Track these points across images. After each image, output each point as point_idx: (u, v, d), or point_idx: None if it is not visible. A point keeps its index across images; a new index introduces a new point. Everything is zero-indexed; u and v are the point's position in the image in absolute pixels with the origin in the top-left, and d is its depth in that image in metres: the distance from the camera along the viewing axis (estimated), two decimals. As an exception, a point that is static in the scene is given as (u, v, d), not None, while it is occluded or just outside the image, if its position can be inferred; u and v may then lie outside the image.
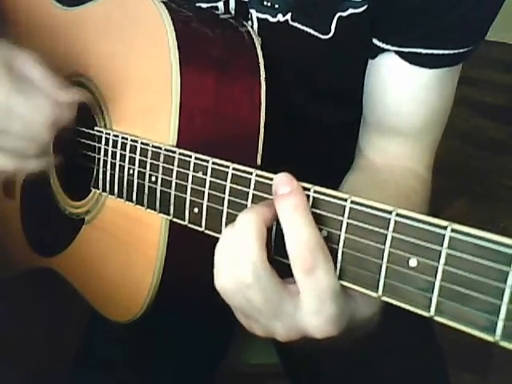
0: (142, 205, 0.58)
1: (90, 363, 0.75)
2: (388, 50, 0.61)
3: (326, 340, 0.43)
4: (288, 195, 0.41)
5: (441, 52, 0.59)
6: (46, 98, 0.59)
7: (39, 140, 0.59)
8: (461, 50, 0.60)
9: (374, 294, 0.39)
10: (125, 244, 0.63)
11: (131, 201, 0.60)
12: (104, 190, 0.64)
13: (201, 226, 0.51)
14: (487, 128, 2.54)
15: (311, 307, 0.41)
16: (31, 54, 0.59)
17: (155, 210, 0.57)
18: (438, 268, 0.36)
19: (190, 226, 0.53)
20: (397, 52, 0.61)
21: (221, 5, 0.65)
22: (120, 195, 0.62)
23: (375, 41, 0.62)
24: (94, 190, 0.66)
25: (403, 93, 0.63)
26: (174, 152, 0.54)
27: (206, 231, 0.51)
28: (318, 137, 0.74)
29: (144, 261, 0.60)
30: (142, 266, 0.60)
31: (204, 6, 0.65)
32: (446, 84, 0.64)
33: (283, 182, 0.42)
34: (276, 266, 0.42)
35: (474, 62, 0.63)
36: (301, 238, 0.40)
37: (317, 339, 0.43)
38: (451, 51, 0.59)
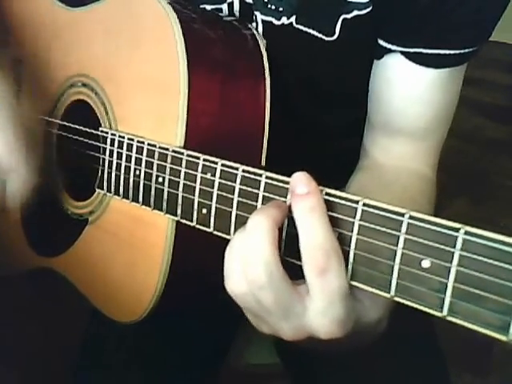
0: (149, 206, 0.58)
1: (90, 363, 0.75)
2: (394, 51, 0.62)
3: (334, 343, 0.43)
4: (306, 196, 0.41)
5: (446, 52, 0.60)
6: None
7: None
8: (466, 50, 0.60)
9: (386, 295, 0.39)
10: (129, 245, 0.62)
11: (137, 202, 0.59)
12: (109, 190, 0.63)
13: (209, 227, 0.51)
14: (487, 128, 2.53)
15: (320, 308, 0.41)
16: None
17: (162, 210, 0.56)
18: (450, 269, 0.36)
19: (197, 226, 0.53)
20: (402, 52, 0.61)
21: (225, 7, 0.65)
22: (126, 196, 0.61)
23: (380, 41, 0.62)
24: (98, 190, 0.66)
25: (409, 93, 0.63)
26: (182, 153, 0.54)
27: (215, 232, 0.51)
28: (322, 138, 0.74)
29: (149, 262, 0.60)
30: (147, 267, 0.60)
31: (208, 7, 0.65)
32: (451, 84, 0.64)
33: (302, 182, 0.42)
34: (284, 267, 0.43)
35: (474, 62, 0.63)
36: (316, 240, 0.40)
37: (325, 343, 0.43)
38: (456, 51, 0.60)
